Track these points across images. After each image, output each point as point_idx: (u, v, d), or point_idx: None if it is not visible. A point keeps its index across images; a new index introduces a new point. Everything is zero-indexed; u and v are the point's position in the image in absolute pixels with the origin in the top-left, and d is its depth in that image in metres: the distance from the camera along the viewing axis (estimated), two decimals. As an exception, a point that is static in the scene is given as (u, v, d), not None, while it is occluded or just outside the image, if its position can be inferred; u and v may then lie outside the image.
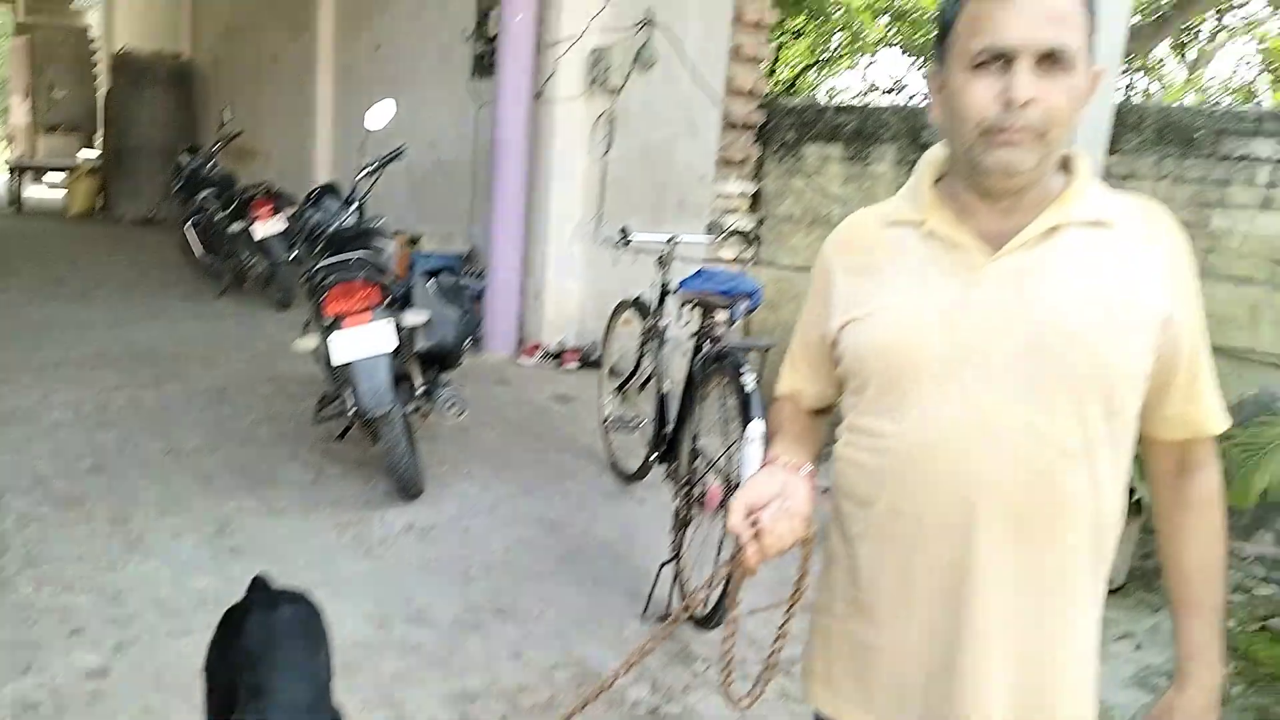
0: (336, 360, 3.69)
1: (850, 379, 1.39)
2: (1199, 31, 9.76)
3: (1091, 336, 1.22)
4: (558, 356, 6.59)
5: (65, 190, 14.18)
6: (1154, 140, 4.16)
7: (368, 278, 3.75)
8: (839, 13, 9.70)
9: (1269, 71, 10.88)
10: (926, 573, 1.30)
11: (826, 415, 1.54)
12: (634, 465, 4.37)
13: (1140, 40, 8.58)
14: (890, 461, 1.32)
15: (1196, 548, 1.36)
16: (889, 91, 11.59)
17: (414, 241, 7.60)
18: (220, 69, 12.96)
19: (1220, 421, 1.35)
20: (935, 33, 1.30)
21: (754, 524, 1.26)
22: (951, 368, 1.26)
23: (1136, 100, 11.10)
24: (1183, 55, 10.80)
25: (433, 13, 7.94)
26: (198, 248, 8.40)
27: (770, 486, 1.30)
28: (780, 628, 1.41)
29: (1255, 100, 10.36)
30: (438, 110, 7.95)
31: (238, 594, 3.23)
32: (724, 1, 5.43)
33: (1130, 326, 1.23)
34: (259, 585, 1.79)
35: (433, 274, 4.23)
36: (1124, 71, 10.59)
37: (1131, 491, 3.32)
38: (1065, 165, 1.31)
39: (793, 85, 11.00)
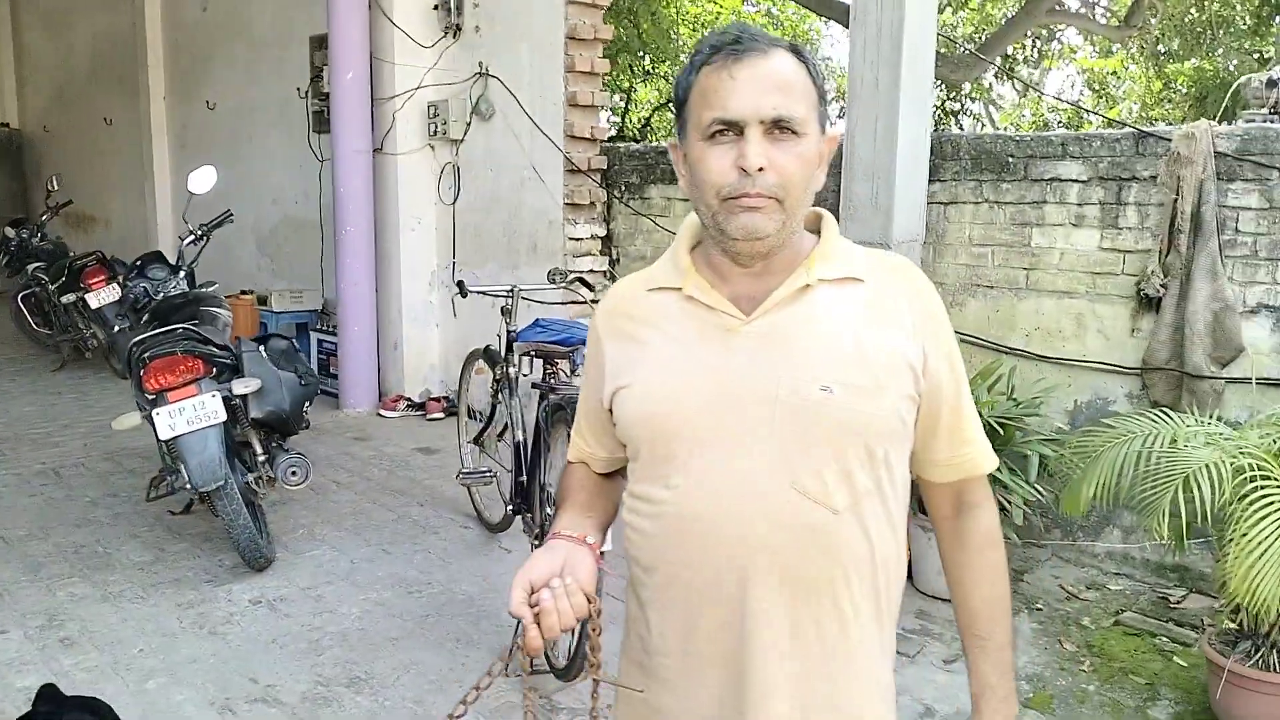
0: (162, 435, 3.54)
1: (627, 446, 1.38)
2: (1022, 57, 10.39)
3: (845, 392, 1.24)
4: (421, 407, 6.48)
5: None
6: (971, 167, 4.37)
7: (187, 350, 3.61)
8: (675, 57, 9.94)
9: (1092, 91, 11.64)
10: (708, 637, 1.30)
11: (621, 476, 1.51)
12: (498, 516, 4.30)
13: (964, 69, 9.08)
14: (665, 528, 1.31)
15: (979, 587, 1.39)
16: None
17: (263, 301, 7.37)
18: (52, 136, 12.38)
19: (988, 462, 1.40)
20: (675, 106, 1.33)
21: (535, 604, 1.22)
22: (713, 433, 1.26)
23: (970, 125, 11.72)
24: (1010, 79, 11.46)
25: (267, 70, 7.78)
26: (33, 322, 7.95)
27: (551, 563, 1.26)
28: (592, 703, 1.38)
29: (1082, 116, 11.05)
30: (280, 167, 7.77)
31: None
32: (555, 52, 5.50)
33: (884, 378, 1.26)
34: (46, 696, 1.68)
35: (262, 340, 4.10)
36: (952, 97, 11.18)
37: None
38: (815, 226, 1.36)
39: (647, 126, 11.19)
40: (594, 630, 1.31)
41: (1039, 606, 3.79)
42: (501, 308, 3.91)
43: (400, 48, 6.17)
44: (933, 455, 1.37)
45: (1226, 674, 2.82)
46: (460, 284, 3.79)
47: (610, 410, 1.38)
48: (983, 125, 11.62)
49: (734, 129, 1.21)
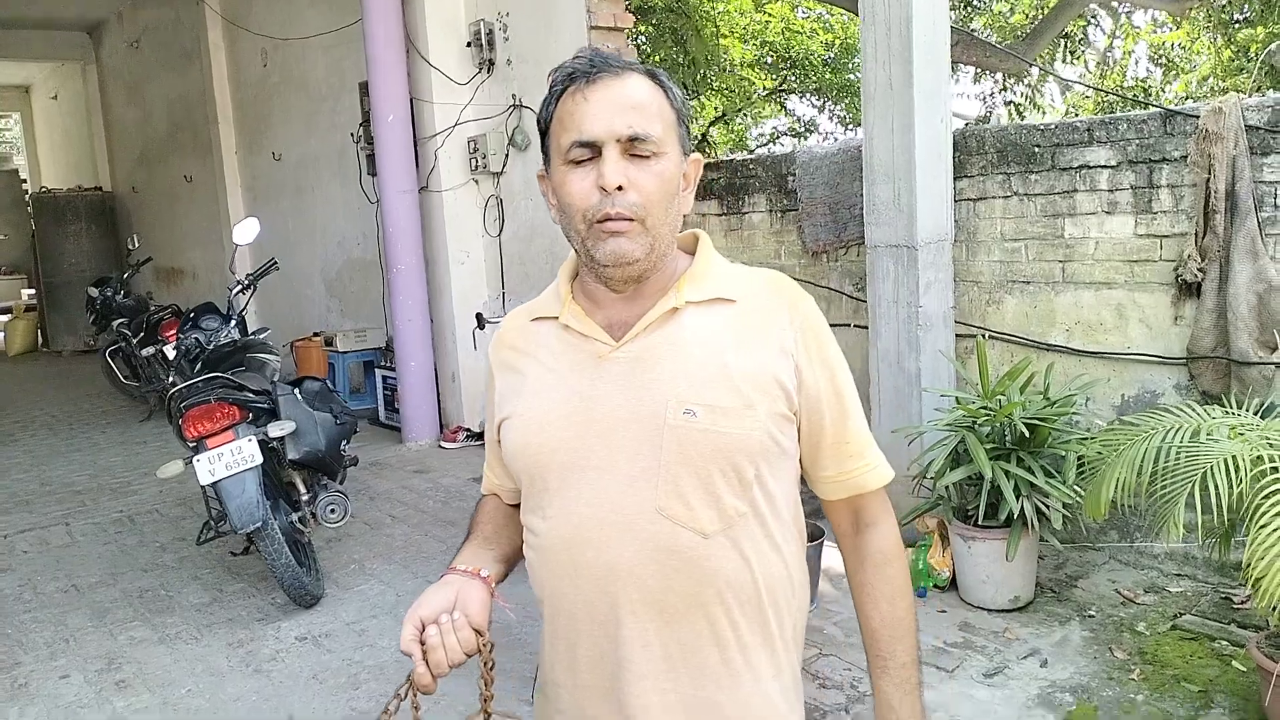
0: (203, 481, 3.69)
1: (514, 477, 1.39)
2: (1067, 47, 10.05)
3: (709, 414, 1.23)
4: (480, 436, 6.58)
5: (3, 332, 14.16)
6: (998, 161, 4.24)
7: (222, 397, 3.75)
8: (724, 70, 9.93)
9: (1159, 66, 11.17)
10: (588, 666, 1.30)
11: None
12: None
13: (1012, 59, 8.81)
14: (544, 558, 1.32)
15: (878, 605, 1.36)
16: (798, 135, 11.83)
17: (329, 342, 7.60)
18: (139, 196, 13.08)
19: (881, 476, 1.37)
20: (539, 136, 1.34)
21: (424, 641, 1.24)
22: (581, 461, 1.27)
23: (1033, 115, 11.36)
24: (1078, 59, 11.08)
25: (323, 119, 8.07)
26: (121, 375, 8.38)
27: (442, 599, 1.27)
28: None
29: (1150, 96, 10.62)
30: (340, 211, 8.03)
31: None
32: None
33: (752, 397, 1.25)
34: None
35: (297, 383, 4.23)
36: (1003, 89, 10.87)
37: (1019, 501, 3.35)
38: (692, 247, 1.36)
39: (704, 140, 11.19)
40: (485, 664, 1.31)
41: (1091, 614, 3.63)
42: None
43: (438, 87, 6.32)
44: (821, 471, 1.35)
45: (1276, 678, 2.66)
46: (479, 316, 3.86)
47: (499, 441, 1.40)
48: (1044, 114, 11.26)
49: (592, 149, 1.22)
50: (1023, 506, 3.42)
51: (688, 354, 1.26)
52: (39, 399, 9.71)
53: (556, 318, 1.34)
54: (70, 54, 14.06)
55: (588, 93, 1.23)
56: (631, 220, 1.22)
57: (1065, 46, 10.28)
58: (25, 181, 17.06)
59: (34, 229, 13.40)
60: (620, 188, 1.21)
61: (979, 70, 10.68)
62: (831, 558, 3.74)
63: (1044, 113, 11.29)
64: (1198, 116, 3.63)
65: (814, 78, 10.59)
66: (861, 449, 1.35)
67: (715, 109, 11.41)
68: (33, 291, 14.54)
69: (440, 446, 6.60)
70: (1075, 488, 3.44)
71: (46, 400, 9.60)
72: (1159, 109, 3.84)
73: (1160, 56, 10.86)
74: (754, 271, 1.36)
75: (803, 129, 11.85)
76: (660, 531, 1.24)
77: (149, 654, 3.75)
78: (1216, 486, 2.42)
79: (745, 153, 10.29)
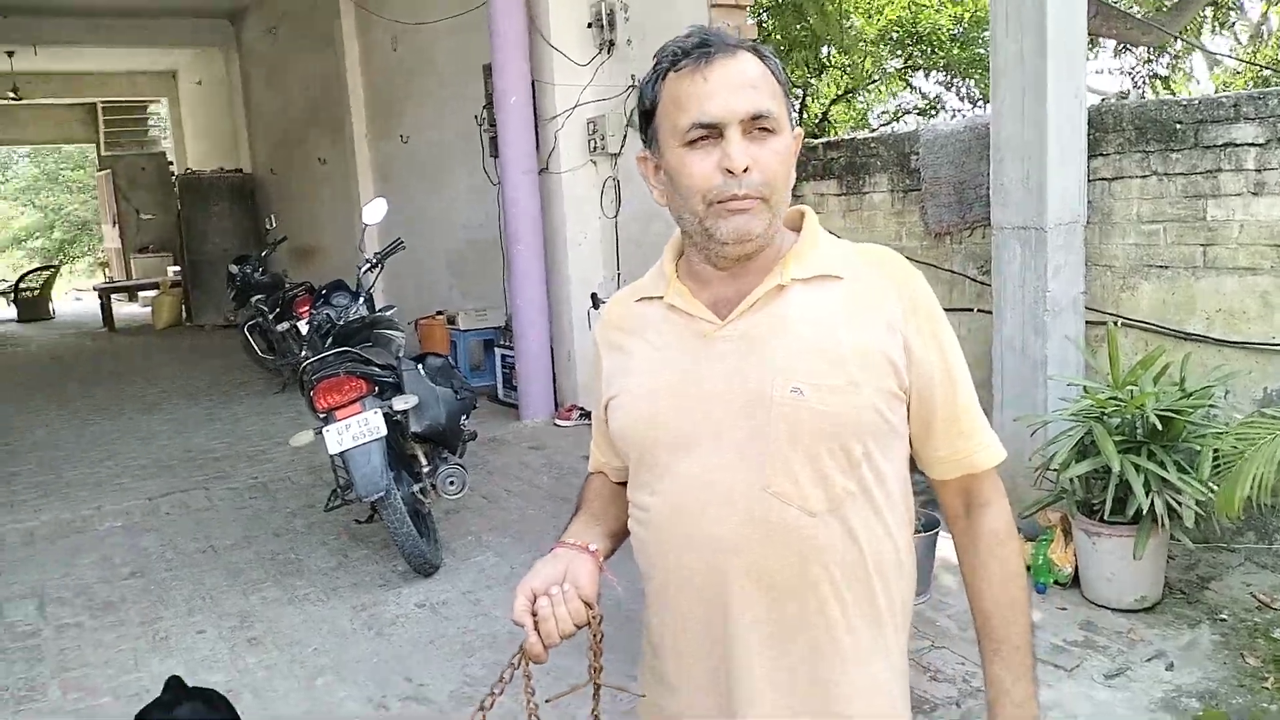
0: (331, 450, 3.85)
1: (622, 454, 1.41)
2: (1235, 8, 9.44)
3: (817, 392, 1.22)
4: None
5: (151, 306, 15.03)
6: (1136, 139, 4.04)
7: (350, 370, 3.90)
8: (852, 44, 9.69)
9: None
10: (698, 639, 1.32)
11: None
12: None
13: (1155, 31, 8.35)
14: (653, 534, 1.33)
15: (991, 587, 1.34)
16: (924, 112, 11.50)
17: (452, 320, 7.80)
18: (277, 178, 13.65)
19: (992, 455, 1.35)
20: (640, 117, 1.34)
21: (536, 612, 1.27)
22: (688, 438, 1.28)
23: (1182, 89, 10.76)
24: (1227, 29, 10.44)
25: (451, 102, 8.24)
26: (258, 349, 8.79)
27: (553, 571, 1.30)
28: (594, 705, 1.40)
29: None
30: (464, 193, 8.21)
31: (249, 684, 3.35)
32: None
33: (859, 375, 1.24)
34: (170, 686, 1.87)
35: (421, 359, 4.36)
36: (1147, 61, 10.29)
37: (1149, 498, 3.20)
38: (797, 224, 1.35)
39: (824, 119, 11.00)
40: (595, 636, 1.34)
41: (1223, 617, 3.45)
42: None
43: (559, 68, 6.39)
44: (932, 451, 1.34)
45: None
46: (594, 296, 3.90)
47: (607, 422, 1.41)
48: (1196, 86, 10.64)
49: (713, 132, 1.22)
50: (1152, 502, 3.27)
51: (794, 332, 1.25)
52: (182, 370, 10.28)
53: (662, 297, 1.35)
54: (213, 40, 14.74)
55: (706, 73, 1.22)
56: (756, 199, 1.22)
57: (1214, 17, 9.69)
58: (172, 164, 18.04)
59: (180, 209, 14.14)
60: (746, 169, 1.20)
61: (1120, 44, 10.16)
62: (946, 548, 3.65)
63: (1191, 86, 10.68)
64: (1361, 90, 3.38)
65: (941, 53, 10.27)
66: (973, 428, 1.33)
67: (837, 86, 11.18)
68: (178, 269, 15.38)
69: (555, 424, 6.71)
70: (1210, 484, 3.27)
71: (189, 372, 10.16)
72: (1317, 82, 3.59)
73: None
74: (861, 247, 1.35)
75: (929, 107, 11.52)
76: (769, 509, 1.24)
77: (279, 613, 3.94)
78: (1368, 487, 2.26)
79: (866, 131, 10.07)
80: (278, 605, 4.02)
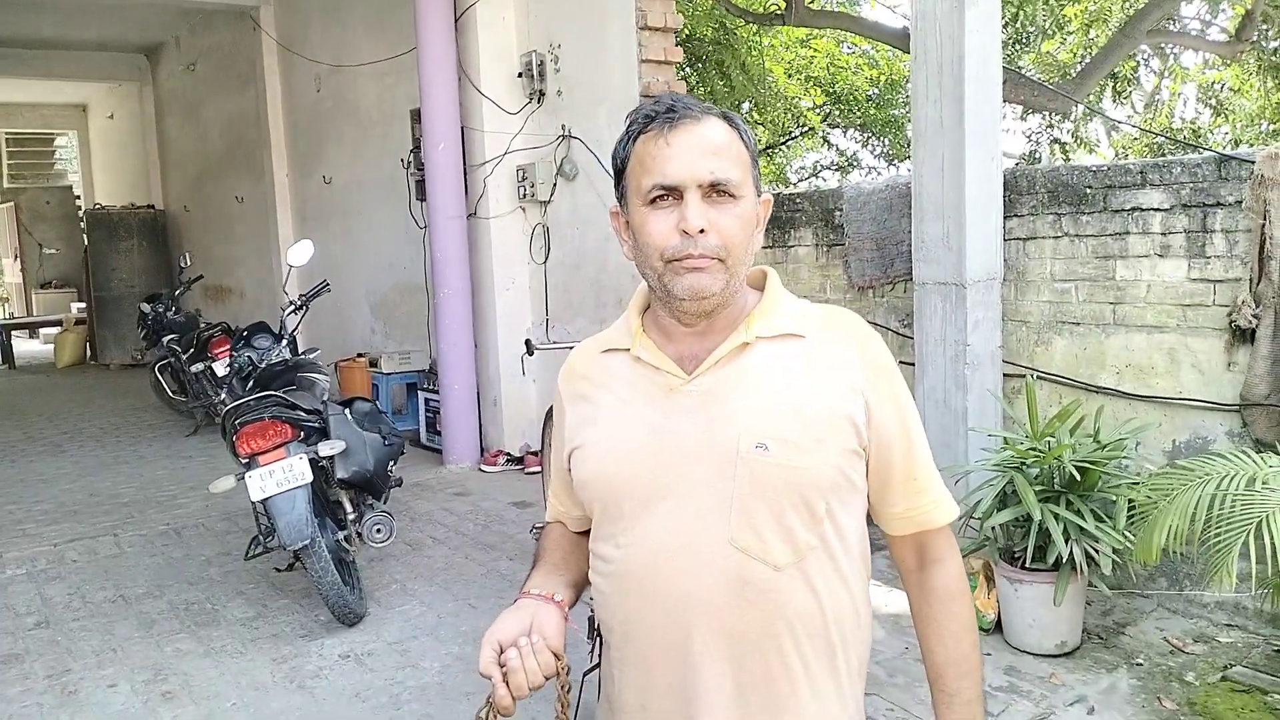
0: (254, 497, 3.75)
1: (585, 505, 1.42)
2: (1112, 87, 10.02)
3: (782, 448, 1.25)
4: (520, 461, 6.62)
5: (54, 343, 14.46)
6: (1049, 201, 4.24)
7: (275, 415, 3.82)
8: (771, 101, 9.99)
9: (1209, 108, 11.10)
10: (659, 694, 1.32)
11: None
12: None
13: (1061, 99, 8.80)
14: (617, 586, 1.34)
15: (944, 642, 1.38)
16: (841, 169, 11.85)
17: (374, 363, 7.70)
18: (191, 215, 13.36)
19: (946, 513, 1.39)
20: (614, 175, 1.38)
21: (503, 664, 1.26)
22: (655, 491, 1.29)
23: (1081, 154, 11.31)
24: (1124, 99, 11.03)
25: (374, 144, 8.22)
26: (169, 390, 8.53)
27: (519, 622, 1.30)
28: None
29: (1198, 137, 10.55)
30: (388, 235, 8.15)
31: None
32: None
33: (823, 433, 1.27)
34: None
35: (348, 403, 4.29)
36: (1049, 126, 10.82)
37: (1068, 545, 3.32)
38: (759, 283, 1.39)
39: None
40: (562, 688, 1.34)
41: (1139, 661, 3.58)
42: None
43: (489, 116, 6.43)
44: (889, 507, 1.37)
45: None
46: (527, 342, 3.91)
47: (570, 472, 1.42)
48: (1092, 153, 11.21)
49: (673, 194, 1.26)
50: (1071, 550, 3.39)
51: (759, 388, 1.29)
52: (87, 410, 9.90)
53: (628, 349, 1.37)
54: (128, 75, 14.42)
55: (670, 137, 1.26)
56: (714, 259, 1.25)
57: (1113, 86, 10.25)
58: (79, 198, 17.49)
59: (86, 244, 13.69)
60: (702, 231, 1.24)
61: (1025, 108, 10.67)
62: (877, 597, 3.72)
63: (1091, 151, 11.25)
64: (1254, 162, 3.61)
65: (858, 113, 10.63)
66: (929, 485, 1.37)
67: (759, 142, 11.47)
68: (83, 305, 14.85)
69: (480, 470, 6.65)
70: (1126, 533, 3.41)
71: (94, 412, 9.78)
72: (1214, 153, 3.83)
73: (1210, 98, 10.80)
74: (822, 308, 1.39)
75: (845, 163, 11.87)
76: (733, 563, 1.26)
77: (195, 666, 3.80)
78: (1272, 536, 2.40)
79: (791, 187, 10.32)
80: (193, 657, 3.88)
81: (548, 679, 1.28)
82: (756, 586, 1.26)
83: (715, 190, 1.25)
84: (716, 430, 1.27)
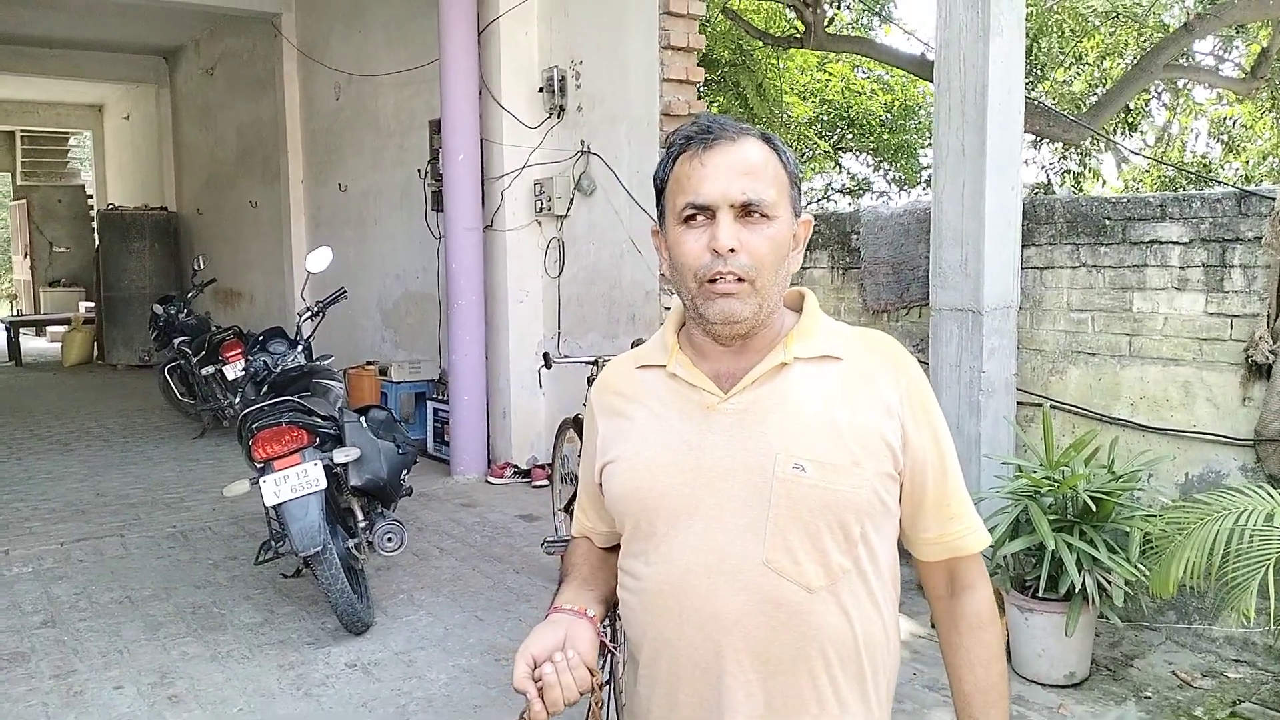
0: (268, 502, 3.75)
1: (616, 521, 1.42)
2: (1125, 120, 10.07)
3: (819, 470, 1.26)
4: (527, 474, 6.62)
5: (62, 342, 14.49)
6: (1067, 231, 4.26)
7: (292, 421, 3.83)
8: (785, 126, 10.04)
9: (1220, 143, 11.13)
10: (688, 712, 1.32)
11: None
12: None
13: (1076, 129, 8.84)
14: (646, 603, 1.34)
15: (972, 669, 1.38)
16: (852, 193, 11.89)
17: (384, 372, 7.71)
18: (204, 219, 13.40)
19: (979, 540, 1.39)
20: (656, 195, 1.39)
21: (538, 679, 1.26)
22: (688, 509, 1.29)
23: (1093, 185, 11.34)
24: (1137, 132, 11.08)
25: (391, 154, 8.26)
26: (178, 392, 8.55)
27: (553, 637, 1.30)
28: None
29: (1210, 172, 10.58)
30: (402, 245, 8.19)
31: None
32: (651, 128, 5.65)
33: (860, 455, 1.27)
34: None
35: (364, 411, 4.30)
36: (1062, 157, 10.87)
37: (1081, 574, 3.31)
38: (797, 304, 1.40)
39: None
40: (596, 703, 1.34)
41: (1147, 695, 3.57)
42: (588, 377, 4.00)
43: (509, 129, 6.46)
44: (921, 532, 1.37)
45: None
46: (545, 355, 3.92)
47: (600, 487, 1.43)
48: (1104, 184, 11.25)
49: (706, 213, 1.27)
50: (1084, 581, 3.39)
51: (796, 409, 1.29)
52: (94, 410, 9.91)
53: (663, 366, 1.38)
54: (145, 77, 14.50)
55: (704, 157, 1.28)
56: (742, 281, 1.26)
57: (1124, 119, 10.29)
58: (91, 197, 17.55)
59: (98, 244, 13.74)
60: (733, 250, 1.25)
61: (1038, 138, 10.71)
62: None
63: (1103, 183, 11.28)
64: (1274, 198, 3.63)
65: (871, 138, 10.68)
66: (962, 511, 1.38)
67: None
68: (91, 305, 14.89)
69: (488, 481, 6.65)
70: (1139, 565, 3.40)
71: (101, 411, 9.80)
72: (1234, 189, 3.85)
73: (1222, 133, 10.84)
74: (860, 331, 1.40)
75: (856, 187, 11.92)
76: (766, 584, 1.26)
77: (201, 670, 3.79)
78: (1292, 573, 2.40)
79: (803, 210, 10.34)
80: (200, 661, 3.87)
81: (582, 694, 1.28)
82: (789, 608, 1.26)
83: (748, 210, 1.26)
84: (753, 449, 1.28)
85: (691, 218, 1.28)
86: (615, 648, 1.39)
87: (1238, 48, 10.23)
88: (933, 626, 4.00)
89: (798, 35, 9.22)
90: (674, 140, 1.35)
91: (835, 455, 1.26)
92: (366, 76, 8.39)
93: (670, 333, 1.41)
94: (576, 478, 4.33)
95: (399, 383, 7.57)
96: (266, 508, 3.88)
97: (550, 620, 1.35)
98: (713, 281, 1.26)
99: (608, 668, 1.46)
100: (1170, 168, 10.25)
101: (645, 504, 1.33)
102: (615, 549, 1.52)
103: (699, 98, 5.85)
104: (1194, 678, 3.67)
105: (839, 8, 10.32)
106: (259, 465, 3.84)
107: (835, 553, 1.27)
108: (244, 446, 3.94)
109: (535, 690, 1.26)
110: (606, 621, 1.45)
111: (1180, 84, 10.39)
